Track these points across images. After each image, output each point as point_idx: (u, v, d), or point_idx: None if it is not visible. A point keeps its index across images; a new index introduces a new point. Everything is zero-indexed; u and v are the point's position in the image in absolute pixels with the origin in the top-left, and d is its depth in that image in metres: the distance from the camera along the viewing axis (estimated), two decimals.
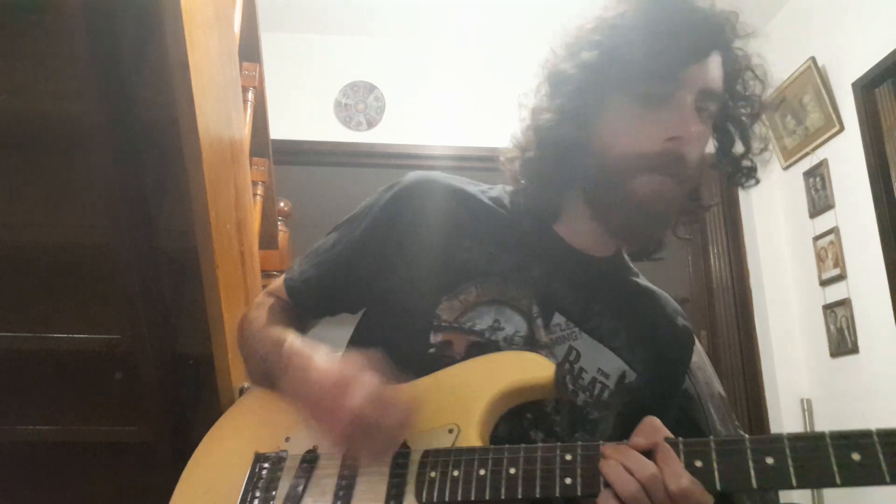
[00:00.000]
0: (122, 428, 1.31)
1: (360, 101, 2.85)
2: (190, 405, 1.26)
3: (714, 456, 0.51)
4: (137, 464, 1.31)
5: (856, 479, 0.46)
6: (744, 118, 0.74)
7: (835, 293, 2.37)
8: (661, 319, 0.80)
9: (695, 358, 1.10)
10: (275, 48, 2.39)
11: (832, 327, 2.37)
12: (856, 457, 0.47)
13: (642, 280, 0.83)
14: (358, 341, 0.79)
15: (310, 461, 0.65)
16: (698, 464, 0.51)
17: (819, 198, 2.46)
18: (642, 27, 0.67)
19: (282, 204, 2.13)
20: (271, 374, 0.69)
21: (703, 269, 2.89)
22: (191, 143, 1.01)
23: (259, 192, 1.80)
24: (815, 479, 0.48)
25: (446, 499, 0.57)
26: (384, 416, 0.57)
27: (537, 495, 0.55)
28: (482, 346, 0.69)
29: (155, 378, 1.18)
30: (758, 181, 0.77)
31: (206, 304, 1.08)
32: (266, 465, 0.67)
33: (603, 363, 0.72)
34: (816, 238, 2.46)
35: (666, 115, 0.67)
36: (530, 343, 0.70)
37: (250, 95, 1.63)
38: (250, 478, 0.67)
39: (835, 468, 0.47)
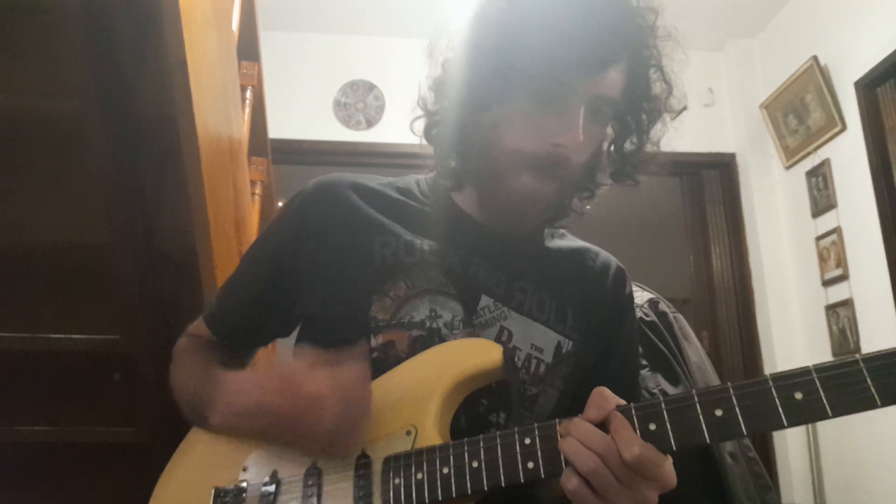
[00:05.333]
0: (121, 428, 1.31)
1: (359, 100, 2.85)
2: None
3: (666, 416, 0.51)
4: (137, 464, 1.31)
5: (801, 418, 0.48)
6: (643, 115, 0.73)
7: (837, 293, 2.36)
8: (587, 278, 0.78)
9: (694, 358, 1.09)
10: (274, 47, 2.39)
11: (834, 328, 2.36)
12: (798, 396, 0.48)
13: (564, 241, 0.82)
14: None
15: (271, 488, 0.63)
16: (652, 427, 0.51)
17: (821, 197, 2.46)
18: (546, 24, 0.64)
19: (280, 203, 2.13)
20: (203, 410, 0.65)
21: (704, 269, 2.88)
22: (189, 143, 1.00)
23: (258, 191, 1.80)
24: (764, 423, 0.49)
25: (414, 502, 0.57)
26: (345, 403, 0.57)
27: (503, 484, 0.55)
28: (425, 339, 0.68)
29: (154, 378, 1.18)
30: (637, 183, 0.76)
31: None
32: (227, 499, 0.65)
33: (535, 338, 0.71)
34: (819, 238, 2.45)
35: (555, 120, 0.66)
36: (470, 325, 0.69)
37: (249, 94, 1.62)
38: None
39: (780, 410, 0.48)
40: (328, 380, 0.57)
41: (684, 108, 0.75)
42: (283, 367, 0.60)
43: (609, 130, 0.74)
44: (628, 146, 0.75)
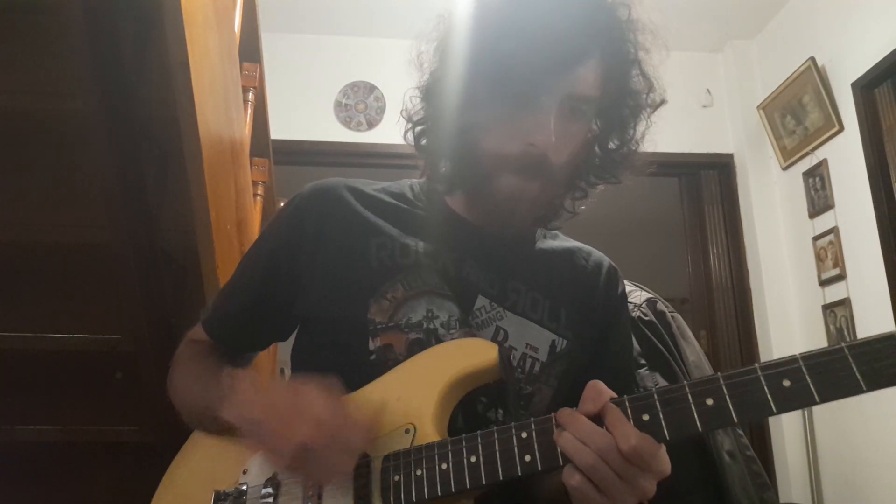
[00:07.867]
0: (123, 427, 1.31)
1: (360, 101, 2.85)
2: None
3: (659, 407, 0.52)
4: (139, 463, 1.31)
5: (789, 404, 0.49)
6: (626, 111, 0.73)
7: (834, 293, 2.37)
8: (580, 277, 0.79)
9: (692, 357, 1.10)
10: (275, 48, 2.39)
11: (832, 327, 2.37)
12: (786, 383, 0.49)
13: (556, 241, 0.83)
14: (297, 365, 0.76)
15: (271, 490, 0.64)
16: (645, 417, 0.52)
17: (818, 198, 2.47)
18: (516, 27, 0.64)
19: (282, 204, 2.13)
20: (211, 407, 0.65)
21: (702, 269, 2.89)
22: (191, 143, 1.01)
23: (259, 192, 1.80)
24: (754, 410, 0.50)
25: (414, 499, 0.57)
26: (335, 437, 0.56)
27: (500, 478, 0.55)
28: (422, 341, 0.68)
29: (156, 378, 1.18)
30: (619, 181, 0.76)
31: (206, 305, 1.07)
32: (227, 503, 0.65)
33: (530, 337, 0.72)
34: (816, 238, 2.46)
35: (529, 120, 0.66)
36: (466, 325, 0.70)
37: (251, 95, 1.63)
38: None
39: (769, 397, 0.49)
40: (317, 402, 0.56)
41: (664, 102, 0.74)
42: (281, 386, 0.60)
43: (594, 128, 0.74)
44: (612, 143, 0.75)
